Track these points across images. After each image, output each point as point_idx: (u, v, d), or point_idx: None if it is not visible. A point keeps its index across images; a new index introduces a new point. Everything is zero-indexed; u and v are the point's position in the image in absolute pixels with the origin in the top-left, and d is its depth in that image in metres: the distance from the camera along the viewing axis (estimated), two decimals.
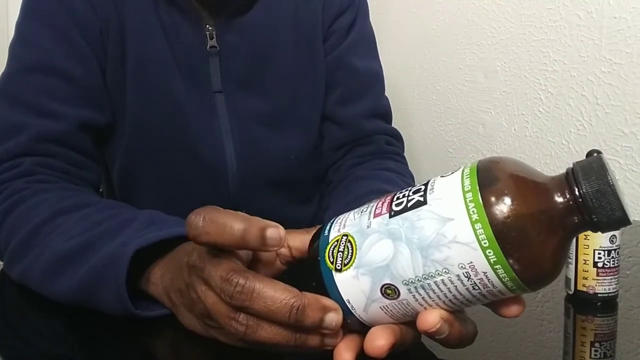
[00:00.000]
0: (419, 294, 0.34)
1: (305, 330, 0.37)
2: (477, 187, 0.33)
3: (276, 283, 0.37)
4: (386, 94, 0.89)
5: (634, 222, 0.86)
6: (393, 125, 0.89)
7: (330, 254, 0.37)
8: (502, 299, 0.36)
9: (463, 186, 0.33)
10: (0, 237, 0.58)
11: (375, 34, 0.89)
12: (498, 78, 1.24)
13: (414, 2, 1.41)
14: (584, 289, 0.52)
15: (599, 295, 0.52)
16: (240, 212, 0.37)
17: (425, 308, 0.35)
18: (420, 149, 1.42)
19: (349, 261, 0.36)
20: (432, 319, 0.35)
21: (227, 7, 0.74)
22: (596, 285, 0.52)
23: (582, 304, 0.53)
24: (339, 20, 0.83)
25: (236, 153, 0.76)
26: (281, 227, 0.37)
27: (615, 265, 0.52)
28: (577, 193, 0.32)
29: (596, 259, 0.52)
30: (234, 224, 0.36)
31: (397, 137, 0.88)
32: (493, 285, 0.33)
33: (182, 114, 0.73)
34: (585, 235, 0.52)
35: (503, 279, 0.33)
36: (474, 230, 0.32)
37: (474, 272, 0.32)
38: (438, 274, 0.33)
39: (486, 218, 0.31)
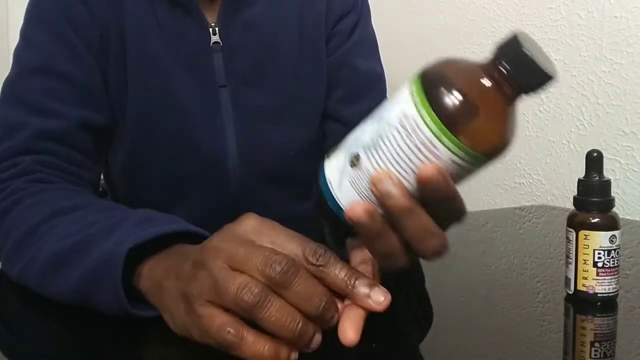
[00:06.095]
0: (373, 157, 0.38)
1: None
2: (423, 68, 0.39)
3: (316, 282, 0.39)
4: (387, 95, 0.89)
5: (634, 222, 0.86)
6: None
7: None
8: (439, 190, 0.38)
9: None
10: None
11: (376, 34, 0.89)
12: None
13: (414, 2, 1.41)
14: (584, 289, 0.52)
15: (598, 295, 0.52)
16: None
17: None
18: None
19: (336, 148, 0.42)
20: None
21: (224, 4, 0.75)
22: (596, 285, 0.52)
23: (582, 304, 0.53)
24: (342, 22, 0.83)
25: (238, 147, 0.77)
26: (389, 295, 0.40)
27: (615, 265, 0.52)
28: (498, 66, 0.37)
29: (596, 259, 0.51)
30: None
31: None
32: (423, 133, 0.36)
33: (185, 110, 0.74)
34: (585, 235, 0.52)
35: (430, 125, 0.36)
36: (410, 88, 0.39)
37: (406, 119, 0.37)
38: (384, 130, 0.38)
39: (419, 78, 0.38)
